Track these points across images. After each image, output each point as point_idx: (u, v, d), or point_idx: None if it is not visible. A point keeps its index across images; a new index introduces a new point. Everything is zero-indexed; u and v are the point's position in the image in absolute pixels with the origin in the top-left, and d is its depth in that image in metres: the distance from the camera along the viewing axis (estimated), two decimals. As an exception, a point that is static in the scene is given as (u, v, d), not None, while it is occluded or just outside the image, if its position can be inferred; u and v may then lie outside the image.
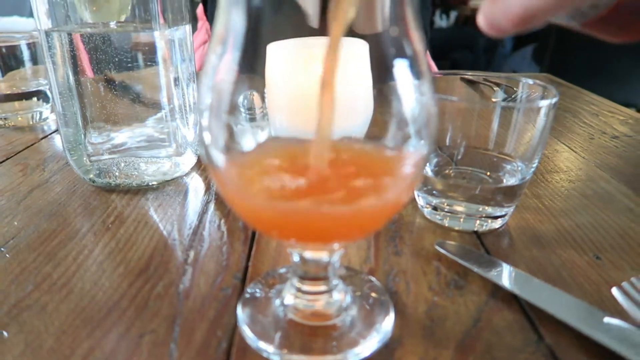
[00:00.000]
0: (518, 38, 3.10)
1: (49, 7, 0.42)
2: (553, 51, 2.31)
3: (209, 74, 0.24)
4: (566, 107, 0.79)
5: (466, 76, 0.49)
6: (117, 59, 0.45)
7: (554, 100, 0.37)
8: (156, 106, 0.47)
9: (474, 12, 3.24)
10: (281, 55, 0.32)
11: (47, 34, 0.43)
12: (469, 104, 0.39)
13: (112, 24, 0.46)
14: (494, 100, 0.62)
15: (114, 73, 0.45)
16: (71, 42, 0.44)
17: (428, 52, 1.33)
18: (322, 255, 0.28)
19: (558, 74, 2.21)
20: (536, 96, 0.42)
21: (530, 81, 0.42)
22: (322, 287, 0.29)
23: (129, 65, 0.45)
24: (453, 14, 3.57)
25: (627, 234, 0.40)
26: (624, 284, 0.32)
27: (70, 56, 0.44)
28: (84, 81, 0.45)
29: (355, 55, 0.27)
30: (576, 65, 2.24)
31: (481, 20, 0.23)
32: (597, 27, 0.23)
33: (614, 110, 0.77)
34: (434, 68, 1.36)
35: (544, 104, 0.37)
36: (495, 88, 0.68)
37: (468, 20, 3.42)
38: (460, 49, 3.18)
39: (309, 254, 0.28)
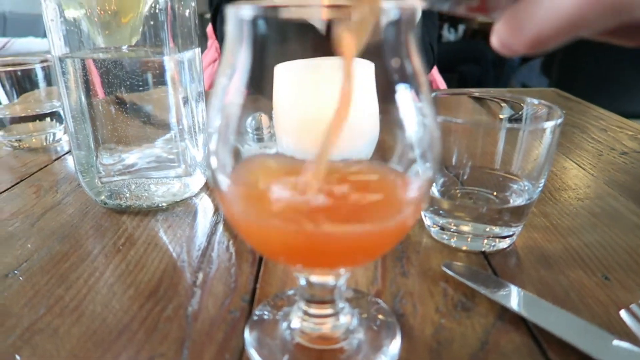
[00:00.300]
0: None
1: (63, 34, 0.43)
2: (561, 63, 2.31)
3: (218, 97, 0.25)
4: (574, 122, 0.78)
5: (472, 94, 0.50)
6: (128, 82, 0.46)
7: (559, 121, 0.37)
8: (166, 127, 0.48)
9: (482, 25, 3.26)
10: (288, 76, 0.32)
11: (61, 59, 0.45)
12: (474, 126, 0.39)
13: (124, 48, 0.47)
14: (501, 117, 0.62)
15: (124, 95, 0.46)
16: (84, 67, 0.45)
17: (435, 67, 1.34)
18: (328, 279, 0.28)
19: (567, 85, 2.21)
20: (542, 114, 0.42)
21: (535, 101, 0.42)
22: (329, 311, 0.30)
23: (140, 87, 0.46)
24: (461, 28, 3.59)
25: (636, 252, 0.40)
26: (633, 306, 0.31)
27: (83, 80, 0.45)
28: (96, 104, 0.46)
29: (361, 76, 0.27)
30: (585, 77, 2.24)
31: (494, 41, 0.23)
32: (612, 34, 0.24)
33: (622, 125, 0.77)
34: (442, 83, 1.37)
35: (549, 125, 0.37)
36: (503, 104, 0.68)
37: (476, 33, 3.43)
38: (468, 62, 3.19)
39: (315, 278, 0.28)
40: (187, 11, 0.47)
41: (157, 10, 0.44)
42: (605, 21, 0.20)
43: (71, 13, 0.43)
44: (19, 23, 2.64)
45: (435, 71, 1.38)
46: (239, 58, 0.23)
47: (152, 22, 0.44)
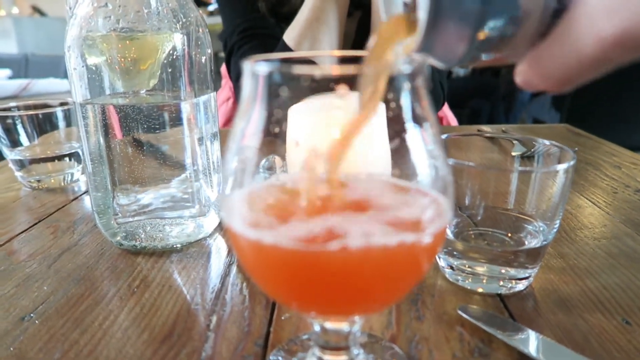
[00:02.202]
0: (536, 85, 3.12)
1: (84, 81, 0.45)
2: (573, 97, 2.32)
3: (235, 141, 0.25)
4: (587, 159, 0.78)
5: (484, 134, 0.50)
6: (145, 125, 0.47)
7: (572, 162, 0.37)
8: (181, 167, 0.49)
9: (486, 63, 3.29)
10: (301, 118, 0.33)
11: (82, 105, 0.46)
12: (486, 169, 0.39)
13: (142, 93, 0.48)
14: (513, 154, 0.62)
15: (142, 137, 0.48)
16: (104, 111, 0.46)
17: (446, 103, 1.35)
18: (343, 325, 0.28)
19: (579, 119, 2.21)
20: (554, 153, 0.42)
21: (547, 142, 0.42)
22: (343, 357, 0.29)
23: (157, 129, 0.48)
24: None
25: (657, 296, 0.39)
26: (655, 354, 0.31)
27: (103, 124, 0.46)
28: (114, 146, 0.47)
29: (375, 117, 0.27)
30: (597, 110, 2.24)
31: (519, 81, 0.24)
32: None
33: (636, 161, 0.76)
34: (452, 119, 1.38)
35: (562, 167, 0.37)
36: (514, 141, 0.69)
37: (486, 69, 3.46)
38: (478, 97, 3.21)
39: (329, 324, 0.28)
40: (204, 58, 0.48)
41: (174, 57, 0.46)
42: (629, 57, 0.20)
43: (93, 60, 0.45)
44: (41, 64, 2.74)
45: (445, 107, 1.39)
46: (254, 108, 0.24)
47: (169, 69, 0.46)
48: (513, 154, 0.61)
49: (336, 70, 0.22)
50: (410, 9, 0.25)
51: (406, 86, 0.24)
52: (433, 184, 0.26)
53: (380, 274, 0.24)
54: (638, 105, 2.16)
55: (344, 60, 0.32)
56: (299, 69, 0.22)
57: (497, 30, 0.23)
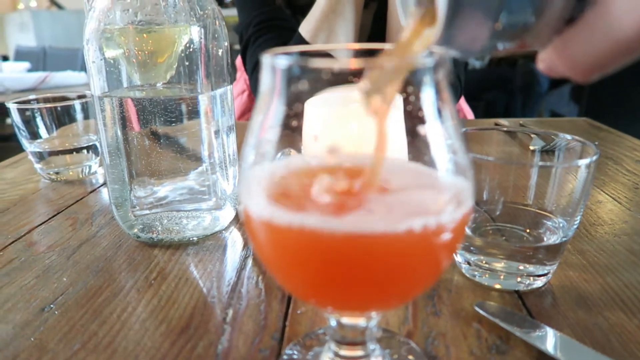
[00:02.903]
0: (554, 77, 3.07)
1: (102, 75, 0.45)
2: (591, 89, 2.28)
3: (254, 134, 0.25)
4: (607, 153, 0.77)
5: (502, 129, 0.49)
6: (162, 118, 0.47)
7: (594, 157, 0.37)
8: (198, 160, 0.49)
9: (508, 52, 3.24)
10: (318, 111, 0.33)
11: (100, 98, 0.46)
12: (506, 164, 0.39)
13: (159, 86, 0.48)
14: (531, 148, 0.61)
15: (159, 130, 0.48)
16: (121, 104, 0.46)
17: (462, 96, 1.34)
18: (359, 320, 0.28)
19: (597, 111, 2.17)
20: (575, 148, 0.41)
21: (569, 137, 0.41)
22: (359, 352, 0.29)
23: (173, 122, 0.48)
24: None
25: (680, 294, 0.39)
26: (679, 354, 0.30)
27: (120, 117, 0.47)
28: (132, 139, 0.48)
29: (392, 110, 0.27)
30: (615, 103, 2.20)
31: (542, 67, 0.23)
32: None
33: (659, 156, 0.75)
34: (469, 112, 1.36)
35: (583, 162, 0.36)
36: (532, 135, 0.68)
37: (502, 60, 3.42)
38: (495, 89, 3.17)
39: (346, 320, 0.28)
40: (220, 50, 0.48)
41: (191, 50, 0.46)
42: None
43: (111, 53, 0.45)
44: (58, 57, 2.77)
45: (462, 101, 1.38)
46: (272, 102, 0.24)
47: (187, 62, 0.46)
48: (531, 148, 0.60)
49: (354, 63, 0.22)
50: (426, 3, 0.24)
51: (427, 79, 0.23)
52: (455, 173, 0.25)
53: (401, 260, 0.24)
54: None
55: (360, 53, 0.31)
56: (317, 62, 0.22)
57: (518, 18, 0.23)
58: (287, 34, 0.93)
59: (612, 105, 2.22)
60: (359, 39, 0.88)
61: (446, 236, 0.23)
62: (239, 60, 1.23)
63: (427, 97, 0.24)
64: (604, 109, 2.24)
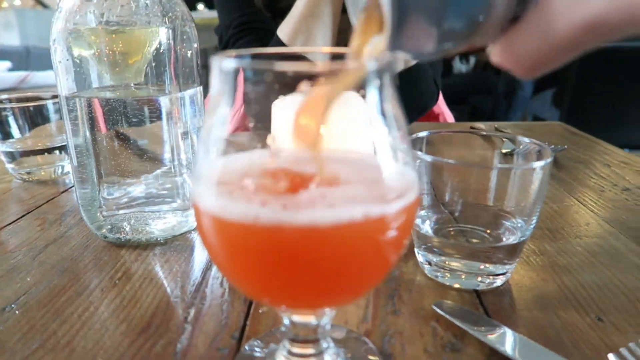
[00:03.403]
0: (538, 82, 3.12)
1: (70, 75, 0.45)
2: (572, 94, 2.32)
3: (206, 131, 0.26)
4: (579, 157, 0.78)
5: (476, 132, 0.50)
6: (131, 119, 0.47)
7: (548, 160, 0.37)
8: (165, 161, 0.50)
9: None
10: (284, 112, 0.33)
11: (68, 99, 0.46)
12: (465, 166, 0.39)
13: (128, 86, 0.49)
14: (503, 151, 0.62)
15: (127, 130, 0.48)
16: (90, 105, 0.46)
17: (443, 100, 1.35)
18: (310, 318, 0.28)
19: (578, 116, 2.20)
20: (534, 152, 0.42)
21: (527, 140, 0.42)
22: (311, 350, 0.30)
23: (142, 123, 0.48)
24: (472, 59, 3.62)
25: (633, 294, 0.40)
26: (622, 350, 0.31)
27: (89, 117, 0.47)
28: (100, 139, 0.48)
29: (352, 107, 0.27)
30: (596, 108, 2.24)
31: (494, 60, 0.24)
32: None
33: (627, 160, 0.76)
34: (449, 116, 1.38)
35: (539, 164, 0.37)
36: (504, 139, 0.68)
37: (487, 65, 3.46)
38: (480, 93, 3.21)
39: (297, 317, 0.28)
40: (190, 52, 0.48)
41: (160, 51, 0.46)
42: (600, 42, 0.21)
43: (78, 54, 0.45)
44: (42, 57, 2.74)
45: (443, 104, 1.39)
46: (221, 103, 0.25)
47: (154, 63, 0.46)
48: (503, 150, 0.61)
49: (301, 66, 0.22)
50: (372, 7, 0.25)
51: (372, 82, 0.24)
52: (401, 164, 0.26)
53: (348, 251, 0.24)
54: (636, 104, 2.15)
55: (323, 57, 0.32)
56: (259, 64, 0.22)
57: (463, 21, 0.24)
58: (266, 37, 0.93)
59: (592, 110, 2.26)
60: (338, 43, 0.88)
61: (392, 226, 0.24)
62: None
63: (372, 97, 0.24)
64: (584, 113, 2.28)
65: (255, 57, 0.26)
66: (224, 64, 0.23)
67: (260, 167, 0.26)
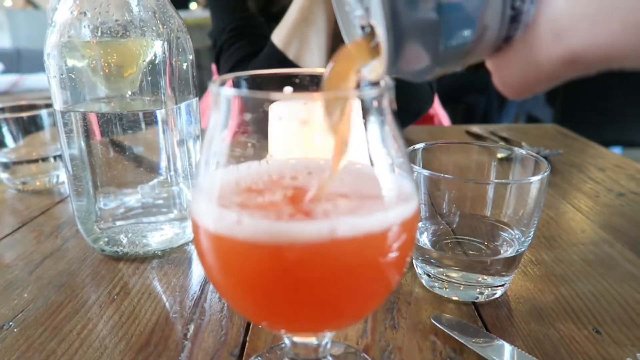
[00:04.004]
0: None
1: (64, 89, 0.45)
2: (565, 93, 2.33)
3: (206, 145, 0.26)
4: (572, 161, 0.79)
5: (473, 143, 0.50)
6: (126, 131, 0.47)
7: (545, 174, 0.38)
8: (161, 169, 0.50)
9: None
10: (280, 114, 0.33)
11: (63, 113, 0.46)
12: (463, 182, 0.40)
13: (123, 98, 0.48)
14: (499, 156, 0.63)
15: (122, 141, 0.48)
16: (84, 117, 0.46)
17: (438, 101, 1.36)
18: (311, 339, 0.28)
19: (571, 115, 2.21)
20: (530, 160, 0.42)
21: (523, 151, 0.43)
22: (313, 370, 0.30)
23: (137, 133, 0.48)
24: (465, 58, 3.63)
25: (629, 304, 0.40)
26: (620, 366, 0.31)
27: (84, 130, 0.47)
28: (96, 151, 0.48)
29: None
30: (589, 106, 2.25)
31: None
32: None
33: (621, 164, 0.77)
34: (444, 117, 1.38)
35: (535, 179, 0.37)
36: (501, 143, 0.68)
37: (481, 64, 3.46)
38: (474, 92, 3.22)
39: (298, 339, 0.28)
40: (185, 64, 0.48)
41: (155, 64, 0.46)
42: (582, 73, 0.21)
43: (72, 67, 0.45)
44: (33, 59, 2.72)
45: (438, 105, 1.39)
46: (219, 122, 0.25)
47: (149, 77, 0.46)
48: (499, 156, 0.61)
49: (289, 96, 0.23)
50: (369, 33, 0.25)
51: (369, 106, 0.24)
52: (399, 176, 0.26)
53: (351, 267, 0.24)
54: (628, 102, 2.17)
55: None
56: (255, 94, 0.22)
57: (459, 43, 0.24)
58: (260, 41, 0.93)
59: (585, 108, 2.27)
60: (332, 48, 0.88)
61: (395, 239, 0.24)
62: (214, 67, 1.23)
63: (373, 122, 0.24)
64: (577, 111, 2.29)
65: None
66: (221, 92, 0.23)
67: (258, 182, 0.26)
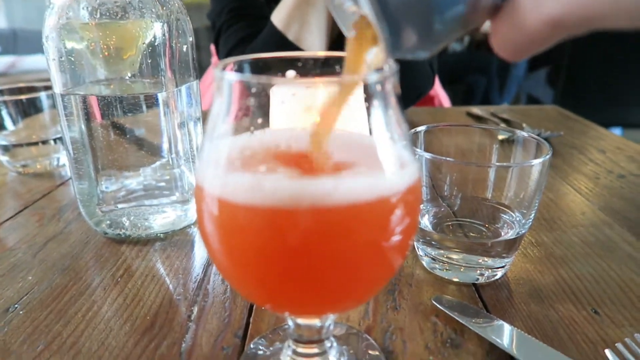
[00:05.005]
0: (532, 61, 3.11)
1: (64, 72, 0.45)
2: (567, 73, 2.31)
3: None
4: (573, 143, 0.79)
5: (471, 126, 0.50)
6: (127, 113, 0.47)
7: (547, 157, 0.38)
8: (162, 152, 0.49)
9: (487, 36, 3.27)
10: (282, 98, 0.33)
11: (63, 95, 0.46)
12: (464, 165, 0.40)
13: (123, 80, 0.48)
14: (500, 137, 0.63)
15: (123, 124, 0.48)
16: (85, 100, 0.46)
17: (439, 82, 1.35)
18: (314, 321, 0.29)
19: (572, 95, 2.20)
20: (531, 142, 0.42)
21: (525, 134, 0.42)
22: (315, 350, 0.30)
23: (138, 116, 0.48)
24: (467, 38, 3.60)
25: (628, 285, 0.40)
26: (618, 345, 0.32)
27: (84, 113, 0.46)
28: (97, 134, 0.48)
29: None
30: (590, 87, 2.24)
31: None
32: None
33: (621, 146, 0.77)
34: (445, 98, 1.37)
35: (537, 162, 0.37)
36: (502, 124, 0.68)
37: (481, 44, 3.43)
38: (474, 72, 3.20)
39: (301, 320, 0.29)
40: (185, 46, 0.48)
41: (155, 46, 0.46)
42: (573, 33, 0.22)
43: (72, 49, 0.44)
44: (29, 40, 2.69)
45: (438, 86, 1.39)
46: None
47: (149, 60, 0.46)
48: (500, 137, 0.61)
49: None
50: (362, 22, 0.25)
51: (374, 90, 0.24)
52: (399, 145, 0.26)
53: (357, 236, 0.23)
54: (629, 83, 2.16)
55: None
56: (259, 79, 0.22)
57: (451, 17, 0.24)
58: (259, 22, 0.92)
59: (586, 89, 2.26)
60: (332, 29, 0.87)
61: (401, 206, 0.24)
62: (213, 47, 1.21)
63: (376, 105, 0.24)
64: (578, 92, 2.28)
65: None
66: (225, 75, 0.23)
67: (267, 150, 0.26)
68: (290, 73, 0.28)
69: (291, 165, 0.24)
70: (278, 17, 0.85)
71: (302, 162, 0.24)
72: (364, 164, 0.25)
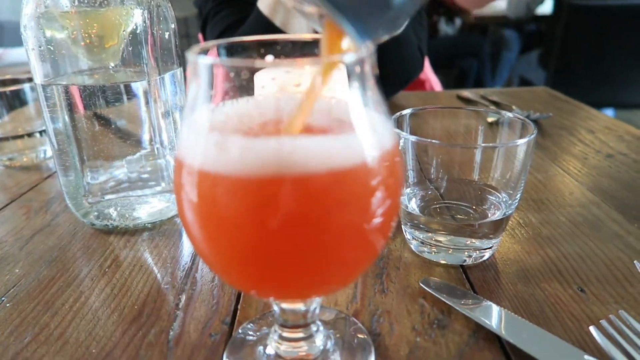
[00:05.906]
0: (524, 43, 3.10)
1: (44, 62, 0.44)
2: (558, 56, 2.31)
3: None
4: (562, 124, 0.79)
5: (460, 108, 0.49)
6: (110, 103, 0.46)
7: (531, 137, 0.38)
8: (146, 142, 0.49)
9: (478, 20, 3.26)
10: (266, 82, 0.33)
11: (44, 86, 0.45)
12: (450, 146, 0.39)
13: (106, 69, 0.47)
14: (489, 120, 0.63)
15: (106, 114, 0.47)
16: (67, 91, 0.45)
17: (430, 66, 1.34)
18: (299, 305, 0.29)
19: (564, 77, 2.20)
20: (516, 123, 0.42)
21: (511, 115, 0.42)
22: (301, 334, 0.30)
23: (121, 106, 0.47)
24: (458, 21, 3.58)
25: (614, 263, 0.41)
26: (603, 322, 0.32)
27: (67, 104, 0.46)
28: (80, 125, 0.47)
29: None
30: (581, 68, 2.24)
31: None
32: None
33: (611, 126, 0.77)
34: (436, 83, 1.37)
35: (522, 142, 0.37)
36: (492, 107, 0.68)
37: (473, 27, 3.42)
38: (466, 56, 3.19)
39: (286, 305, 0.29)
40: (167, 33, 0.47)
41: (136, 33, 0.45)
42: None
43: (51, 38, 0.44)
44: (16, 32, 2.64)
45: (429, 70, 1.38)
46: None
47: (131, 48, 0.45)
48: (489, 119, 0.61)
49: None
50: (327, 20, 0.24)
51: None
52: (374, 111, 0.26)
53: (339, 205, 0.23)
54: (621, 64, 2.16)
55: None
56: (232, 61, 0.22)
57: None
58: (246, 9, 0.91)
59: (578, 70, 2.26)
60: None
61: (382, 172, 0.24)
62: (201, 36, 1.20)
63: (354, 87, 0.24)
64: (570, 73, 2.28)
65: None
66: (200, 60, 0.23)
67: (246, 118, 0.25)
68: (269, 58, 0.28)
69: (265, 133, 0.24)
70: (264, 3, 0.84)
71: (276, 130, 0.24)
72: (338, 129, 0.24)
